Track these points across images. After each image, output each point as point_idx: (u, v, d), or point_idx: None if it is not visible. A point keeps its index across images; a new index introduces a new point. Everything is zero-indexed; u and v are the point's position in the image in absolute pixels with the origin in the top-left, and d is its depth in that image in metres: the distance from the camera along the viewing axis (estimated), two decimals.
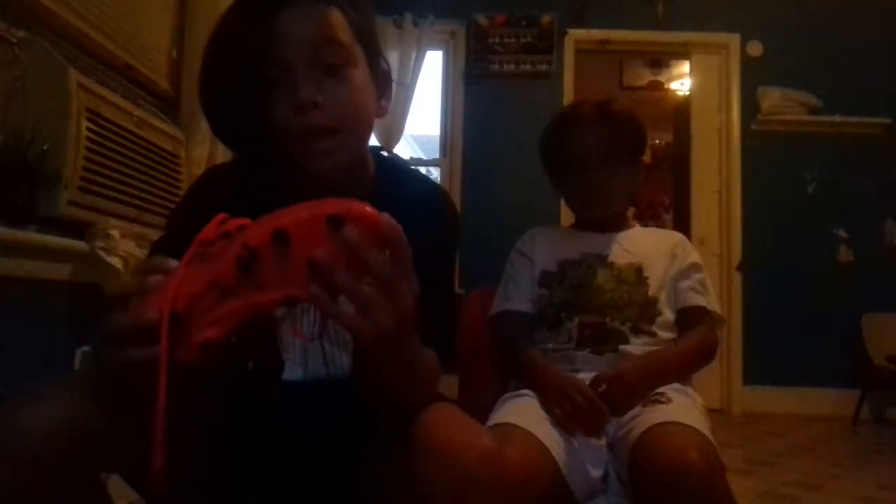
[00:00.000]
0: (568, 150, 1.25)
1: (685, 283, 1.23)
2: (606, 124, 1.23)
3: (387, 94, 0.86)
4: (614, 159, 1.23)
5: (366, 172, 0.86)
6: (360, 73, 0.78)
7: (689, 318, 1.21)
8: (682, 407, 1.00)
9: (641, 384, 1.06)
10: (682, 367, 1.16)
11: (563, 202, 1.40)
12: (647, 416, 0.97)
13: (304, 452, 0.77)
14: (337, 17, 0.76)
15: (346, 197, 0.72)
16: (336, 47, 0.76)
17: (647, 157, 6.54)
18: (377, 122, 3.35)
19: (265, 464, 0.78)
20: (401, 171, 0.92)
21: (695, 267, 1.25)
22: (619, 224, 1.30)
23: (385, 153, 3.79)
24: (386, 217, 0.55)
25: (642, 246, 1.26)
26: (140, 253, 1.65)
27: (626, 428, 0.99)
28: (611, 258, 1.23)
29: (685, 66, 4.55)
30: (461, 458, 0.63)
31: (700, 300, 1.22)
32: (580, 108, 1.27)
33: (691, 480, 0.83)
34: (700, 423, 0.95)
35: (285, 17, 0.74)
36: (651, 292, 1.20)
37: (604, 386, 1.06)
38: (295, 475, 0.78)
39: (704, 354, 1.19)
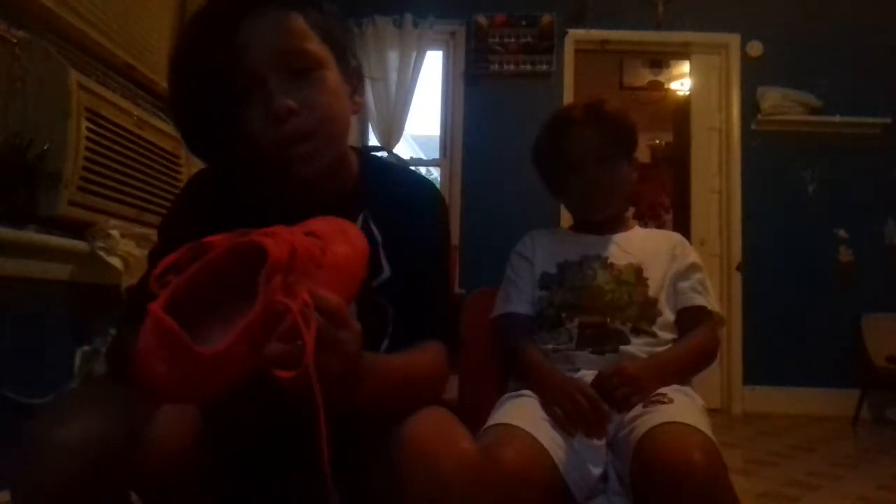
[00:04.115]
0: (563, 153, 1.26)
1: (685, 284, 1.23)
2: (598, 125, 1.24)
3: (359, 90, 0.86)
4: (609, 158, 1.24)
5: (348, 171, 0.86)
6: (332, 75, 0.78)
7: (690, 318, 1.21)
8: (684, 407, 1.00)
9: (643, 379, 1.06)
10: (685, 368, 1.16)
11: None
12: (650, 417, 0.97)
13: (300, 454, 0.77)
14: (300, 23, 0.76)
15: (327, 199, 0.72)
16: (304, 55, 0.75)
17: (647, 157, 6.49)
18: (377, 122, 3.38)
19: (262, 465, 0.78)
20: (385, 168, 0.92)
21: (694, 267, 1.25)
22: (618, 225, 1.31)
23: (383, 153, 3.75)
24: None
25: (641, 247, 1.26)
26: (140, 253, 1.65)
27: (629, 428, 0.99)
28: (610, 259, 1.24)
29: (685, 66, 4.55)
30: (438, 463, 0.63)
31: (700, 300, 1.22)
32: (572, 112, 1.29)
33: (695, 480, 0.83)
34: (702, 423, 0.95)
35: (249, 30, 0.73)
36: (651, 293, 1.20)
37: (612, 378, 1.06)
38: (292, 476, 0.78)
39: (706, 355, 1.19)
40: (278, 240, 0.52)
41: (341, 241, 0.63)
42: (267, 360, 0.49)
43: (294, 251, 0.52)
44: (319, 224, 0.64)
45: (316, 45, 0.77)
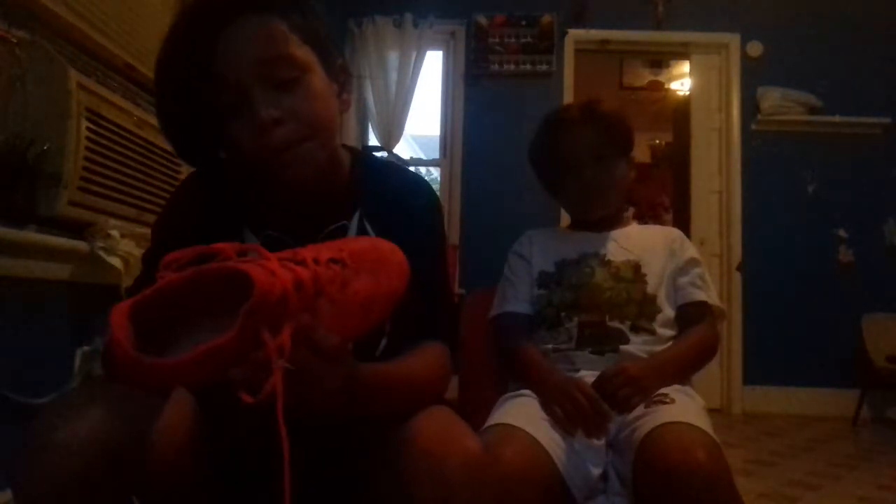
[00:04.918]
0: (560, 153, 1.26)
1: (685, 279, 1.23)
2: (594, 124, 1.24)
3: (347, 88, 0.85)
4: (606, 158, 1.24)
5: (340, 171, 0.86)
6: (317, 79, 0.77)
7: (691, 313, 1.21)
8: (686, 407, 1.00)
9: (644, 380, 1.06)
10: (686, 366, 1.16)
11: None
12: (652, 417, 0.97)
13: (300, 456, 0.77)
14: (281, 28, 0.75)
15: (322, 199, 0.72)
16: (286, 62, 0.74)
17: (647, 157, 6.45)
18: (377, 122, 3.37)
19: (261, 468, 0.78)
20: (380, 167, 0.92)
21: (693, 262, 1.25)
22: (615, 222, 1.31)
23: (383, 153, 3.75)
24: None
25: (639, 243, 1.26)
26: (140, 253, 1.64)
27: (630, 428, 0.99)
28: (608, 256, 1.24)
29: (685, 66, 4.55)
30: (443, 463, 0.63)
31: (701, 295, 1.22)
32: (567, 112, 1.30)
33: (698, 480, 0.83)
34: (704, 423, 0.95)
35: (229, 41, 0.73)
36: (650, 289, 1.20)
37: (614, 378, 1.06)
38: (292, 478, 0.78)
39: (707, 352, 1.19)
40: (275, 277, 0.52)
41: (374, 273, 0.62)
42: (233, 380, 0.50)
43: (286, 292, 0.52)
44: (362, 247, 0.64)
45: (298, 50, 0.76)
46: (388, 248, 0.68)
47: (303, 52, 0.76)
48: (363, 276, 0.61)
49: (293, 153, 0.74)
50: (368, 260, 0.63)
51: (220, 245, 0.55)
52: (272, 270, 0.52)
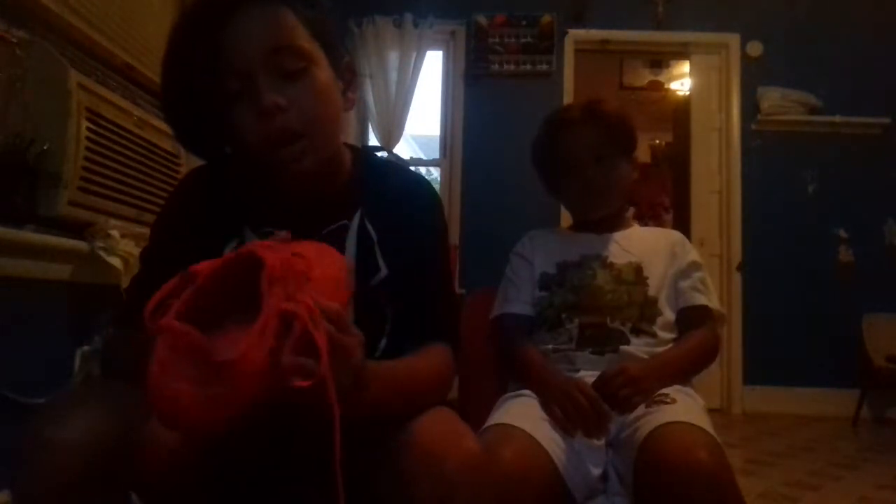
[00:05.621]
0: (562, 153, 1.26)
1: (686, 283, 1.23)
2: (596, 124, 1.24)
3: (352, 86, 0.85)
4: (607, 157, 1.24)
5: (341, 168, 0.86)
6: (323, 73, 0.77)
7: (692, 317, 1.21)
8: (687, 407, 1.00)
9: (645, 381, 1.06)
10: (686, 368, 1.16)
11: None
12: (653, 417, 0.97)
13: (301, 456, 0.77)
14: (290, 19, 0.75)
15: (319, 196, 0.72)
16: (294, 52, 0.75)
17: (647, 157, 6.47)
18: (377, 122, 3.37)
19: (262, 468, 0.78)
20: (381, 167, 0.91)
21: (695, 265, 1.25)
22: (617, 224, 1.31)
23: (383, 153, 3.75)
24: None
25: (641, 245, 1.26)
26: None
27: (632, 428, 0.99)
28: (610, 258, 1.23)
29: (685, 66, 4.55)
30: (444, 462, 0.63)
31: (702, 299, 1.22)
32: (569, 112, 1.29)
33: (700, 480, 0.83)
34: (705, 423, 0.95)
35: (238, 26, 0.73)
36: (651, 292, 1.20)
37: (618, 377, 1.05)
38: (293, 479, 0.77)
39: (707, 355, 1.19)
40: (270, 251, 0.53)
41: (326, 255, 0.63)
42: (284, 370, 0.49)
43: (287, 261, 0.53)
44: (302, 247, 0.65)
45: (306, 42, 0.76)
46: (320, 244, 0.68)
47: (310, 45, 0.77)
48: (319, 259, 0.62)
49: (291, 150, 0.74)
50: (314, 249, 0.64)
51: (196, 267, 0.55)
52: (266, 246, 0.54)
